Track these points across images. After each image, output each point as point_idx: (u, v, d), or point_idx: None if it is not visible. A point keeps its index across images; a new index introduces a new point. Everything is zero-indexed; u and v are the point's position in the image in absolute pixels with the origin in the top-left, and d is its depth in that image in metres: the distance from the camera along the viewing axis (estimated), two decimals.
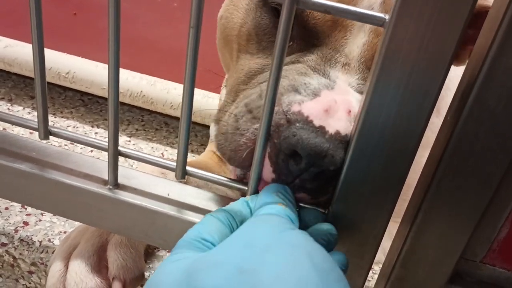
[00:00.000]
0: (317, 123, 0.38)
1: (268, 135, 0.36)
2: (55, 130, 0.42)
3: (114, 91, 0.37)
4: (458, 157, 0.34)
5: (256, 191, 0.39)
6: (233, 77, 0.50)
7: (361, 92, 0.43)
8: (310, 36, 0.45)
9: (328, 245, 0.36)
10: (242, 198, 0.38)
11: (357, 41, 0.44)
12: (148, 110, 0.89)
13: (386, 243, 0.42)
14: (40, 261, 0.51)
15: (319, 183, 0.39)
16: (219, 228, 0.33)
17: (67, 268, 0.46)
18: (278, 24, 0.32)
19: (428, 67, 0.30)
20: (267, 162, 0.39)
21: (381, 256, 0.43)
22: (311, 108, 0.39)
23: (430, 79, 0.31)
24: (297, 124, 0.38)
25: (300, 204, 0.40)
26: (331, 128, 0.38)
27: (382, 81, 0.31)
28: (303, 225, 0.38)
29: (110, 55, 0.36)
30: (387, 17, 0.30)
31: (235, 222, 0.35)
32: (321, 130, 0.38)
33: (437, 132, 0.37)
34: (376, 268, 0.57)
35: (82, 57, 0.88)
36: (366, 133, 0.33)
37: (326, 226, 0.37)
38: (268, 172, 0.39)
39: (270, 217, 0.32)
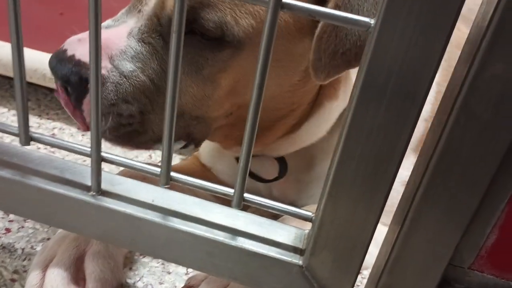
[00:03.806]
0: (64, 47, 0.48)
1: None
2: (37, 135, 0.41)
3: (95, 96, 0.36)
4: (445, 164, 0.33)
5: (241, 198, 0.38)
6: None
7: (141, 39, 0.49)
8: None
9: None
10: None
11: None
12: None
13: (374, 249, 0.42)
14: (23, 268, 0.50)
15: (69, 97, 0.48)
16: None
17: (44, 280, 0.45)
18: (263, 28, 0.31)
19: (415, 71, 0.30)
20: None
21: (370, 260, 0.43)
22: (69, 39, 0.49)
23: (417, 83, 0.30)
24: None
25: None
26: (70, 52, 0.48)
27: (367, 85, 0.31)
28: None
29: (92, 56, 0.35)
30: (372, 21, 0.30)
31: None
32: (63, 52, 0.48)
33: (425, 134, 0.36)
34: (365, 272, 0.57)
35: None
36: (353, 137, 0.33)
37: None
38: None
39: None
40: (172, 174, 0.39)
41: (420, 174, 0.35)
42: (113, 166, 0.67)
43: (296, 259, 0.40)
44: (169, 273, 0.52)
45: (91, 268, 0.46)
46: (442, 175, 0.34)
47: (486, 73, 0.29)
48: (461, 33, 0.42)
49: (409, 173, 0.59)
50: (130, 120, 0.49)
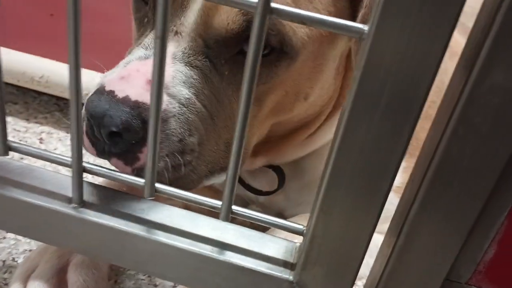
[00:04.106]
0: (107, 88, 0.41)
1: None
2: (15, 145, 0.39)
3: (75, 101, 0.35)
4: (442, 176, 0.32)
5: (229, 211, 0.36)
6: None
7: (188, 63, 0.44)
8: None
9: None
10: None
11: (194, 7, 0.43)
12: None
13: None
14: (4, 281, 0.49)
15: (122, 147, 0.41)
16: None
17: None
18: (250, 34, 0.30)
19: (411, 80, 0.28)
20: (86, 138, 0.43)
21: (364, 270, 0.41)
22: (109, 78, 0.42)
23: (413, 93, 0.29)
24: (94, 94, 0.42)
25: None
26: (120, 93, 0.41)
27: (361, 96, 0.29)
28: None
29: (70, 60, 0.33)
30: (366, 28, 0.28)
31: None
32: (110, 94, 0.41)
33: (420, 148, 0.35)
34: (359, 283, 0.55)
35: (60, 61, 0.85)
36: (345, 149, 0.31)
37: None
38: (87, 145, 0.43)
39: None
40: (157, 185, 0.37)
41: (416, 186, 0.33)
42: None
43: (287, 274, 0.38)
44: (155, 286, 0.50)
45: (73, 278, 0.45)
46: (439, 187, 0.32)
47: (486, 82, 0.27)
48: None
49: (399, 178, 0.58)
50: (190, 156, 0.44)
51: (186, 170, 0.44)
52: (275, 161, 0.59)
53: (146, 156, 0.40)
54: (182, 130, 0.43)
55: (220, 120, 0.46)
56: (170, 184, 0.41)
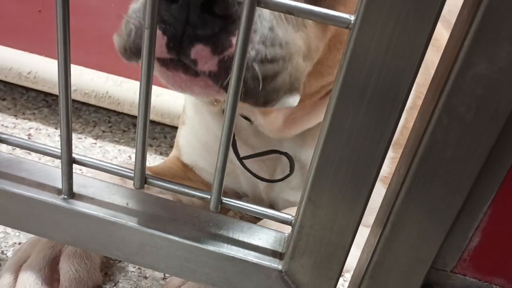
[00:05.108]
0: None
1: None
2: (4, 136, 0.39)
3: (64, 94, 0.35)
4: (428, 165, 0.32)
5: (218, 201, 0.37)
6: None
7: None
8: None
9: None
10: None
11: None
12: (115, 111, 0.86)
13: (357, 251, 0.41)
14: None
15: (215, 26, 0.34)
16: None
17: (16, 281, 0.44)
18: (239, 24, 0.30)
19: (396, 70, 0.29)
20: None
21: (353, 262, 0.42)
22: None
23: (398, 83, 0.29)
24: None
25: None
26: None
27: (347, 86, 0.29)
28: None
29: (60, 54, 0.33)
30: (352, 18, 0.28)
31: None
32: None
33: (406, 138, 0.36)
34: (347, 275, 0.56)
35: (48, 57, 0.84)
36: (332, 139, 0.32)
37: None
38: (158, 38, 0.35)
39: None
40: (147, 176, 0.38)
41: (402, 175, 0.34)
42: None
43: (275, 264, 0.38)
44: (145, 278, 0.50)
45: (65, 268, 0.45)
46: (424, 176, 0.33)
47: (469, 72, 0.28)
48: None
49: (387, 168, 0.58)
50: (280, 50, 0.37)
51: (274, 69, 0.37)
52: (290, 129, 0.57)
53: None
54: (272, 15, 0.36)
55: (296, 24, 0.40)
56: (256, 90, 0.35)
